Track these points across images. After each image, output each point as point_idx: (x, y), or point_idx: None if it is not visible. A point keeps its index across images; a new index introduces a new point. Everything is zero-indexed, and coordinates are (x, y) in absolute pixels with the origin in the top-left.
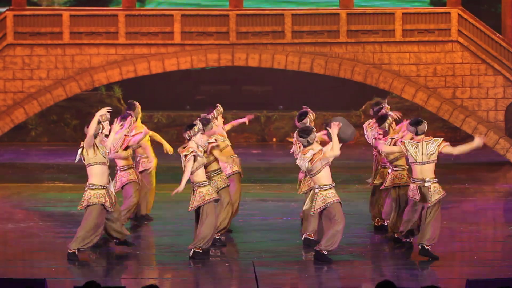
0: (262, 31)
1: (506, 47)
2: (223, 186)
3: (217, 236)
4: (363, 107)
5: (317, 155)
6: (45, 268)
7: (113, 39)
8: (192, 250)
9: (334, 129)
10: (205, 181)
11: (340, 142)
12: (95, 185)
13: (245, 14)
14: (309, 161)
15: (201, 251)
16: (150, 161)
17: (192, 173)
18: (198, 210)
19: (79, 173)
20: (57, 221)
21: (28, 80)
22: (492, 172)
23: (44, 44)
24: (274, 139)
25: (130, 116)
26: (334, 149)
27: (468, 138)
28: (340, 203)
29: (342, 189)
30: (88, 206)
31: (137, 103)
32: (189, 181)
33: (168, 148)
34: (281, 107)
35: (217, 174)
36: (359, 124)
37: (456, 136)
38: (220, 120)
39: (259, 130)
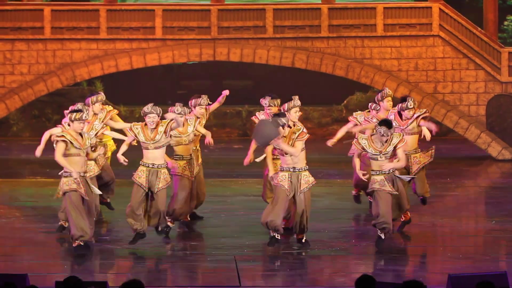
0: (243, 26)
1: (488, 42)
2: None
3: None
4: (345, 101)
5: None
6: (26, 263)
7: (95, 34)
8: None
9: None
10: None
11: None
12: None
13: (227, 9)
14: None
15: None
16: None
17: None
18: None
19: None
20: (39, 216)
21: (10, 75)
22: (474, 166)
23: (25, 39)
24: None
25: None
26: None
27: (450, 132)
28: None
29: (324, 183)
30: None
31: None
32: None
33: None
34: None
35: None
36: (341, 118)
37: (437, 131)
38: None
39: (241, 124)
